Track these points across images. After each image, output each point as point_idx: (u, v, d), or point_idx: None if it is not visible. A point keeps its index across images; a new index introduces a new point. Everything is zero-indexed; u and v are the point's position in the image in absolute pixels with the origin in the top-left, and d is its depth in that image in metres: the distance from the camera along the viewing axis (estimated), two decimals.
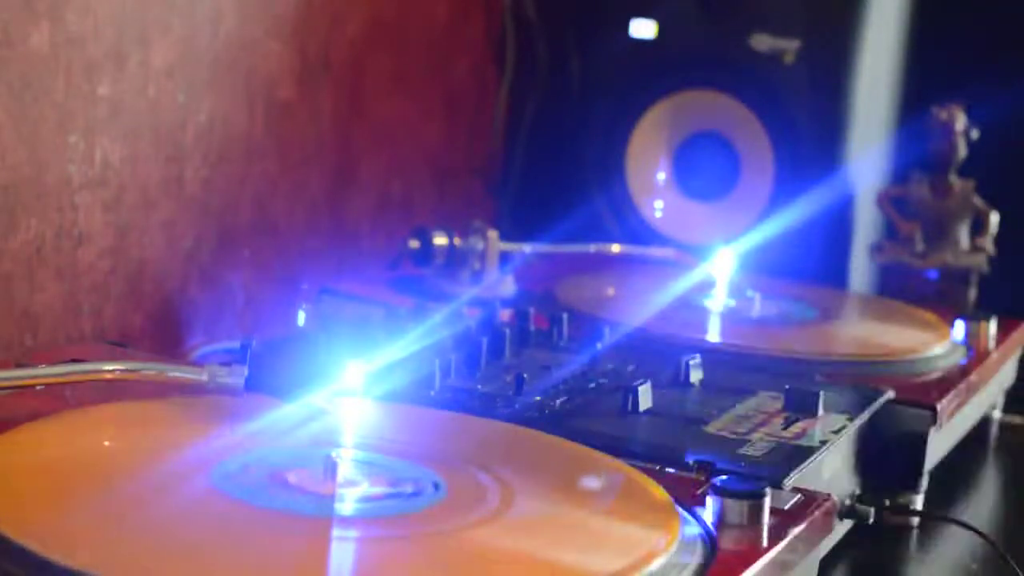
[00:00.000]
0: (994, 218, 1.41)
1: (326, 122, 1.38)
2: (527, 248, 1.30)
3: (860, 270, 1.48)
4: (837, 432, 0.91)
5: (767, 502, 0.74)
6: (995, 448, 1.24)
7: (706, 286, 1.26)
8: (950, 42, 1.49)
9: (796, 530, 0.75)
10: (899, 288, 1.43)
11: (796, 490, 0.80)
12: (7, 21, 1.04)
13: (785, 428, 0.91)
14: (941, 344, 1.15)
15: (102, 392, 0.85)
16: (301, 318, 1.14)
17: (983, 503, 1.13)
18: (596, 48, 1.55)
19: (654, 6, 1.50)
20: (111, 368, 0.84)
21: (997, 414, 1.27)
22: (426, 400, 0.92)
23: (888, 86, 1.50)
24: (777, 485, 0.80)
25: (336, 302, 1.14)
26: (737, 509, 0.73)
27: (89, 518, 0.67)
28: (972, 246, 1.42)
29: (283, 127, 1.33)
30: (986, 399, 1.20)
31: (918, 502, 1.01)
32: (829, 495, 0.80)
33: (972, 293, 1.42)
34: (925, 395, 1.02)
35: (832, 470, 0.91)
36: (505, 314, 1.09)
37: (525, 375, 0.95)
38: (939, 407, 1.00)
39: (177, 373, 0.85)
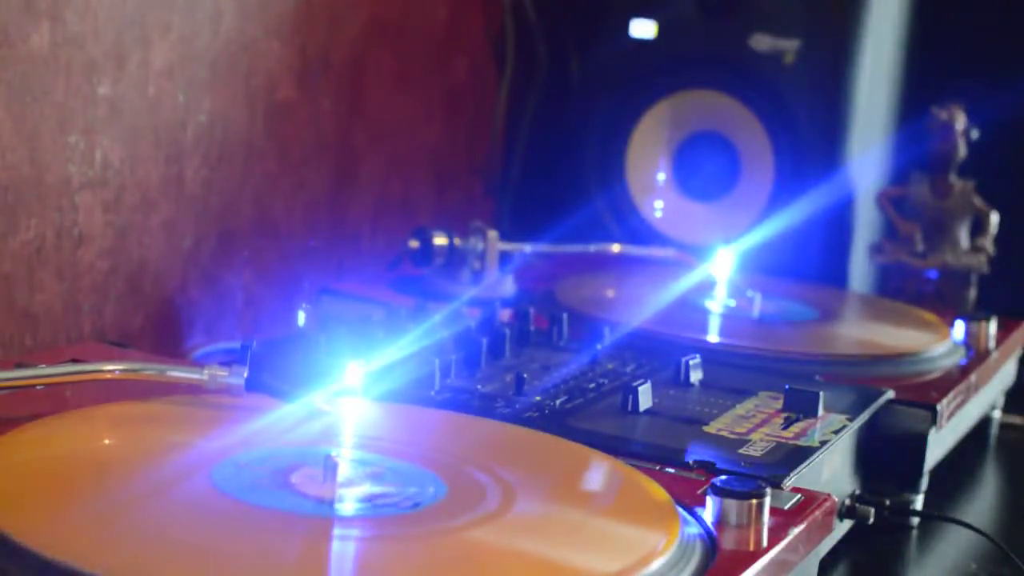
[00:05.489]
0: (994, 218, 1.42)
1: (326, 122, 1.38)
2: (527, 248, 1.30)
3: (860, 270, 1.48)
4: (837, 432, 0.91)
5: (767, 502, 0.74)
6: (995, 448, 1.24)
7: (706, 286, 1.26)
8: (950, 42, 1.49)
9: (796, 530, 0.75)
10: (899, 288, 1.43)
11: (796, 490, 0.80)
12: (7, 21, 1.04)
13: (785, 428, 0.91)
14: (941, 344, 1.15)
15: (102, 392, 0.85)
16: (301, 318, 1.14)
17: (983, 503, 1.13)
18: (596, 48, 1.55)
19: (654, 6, 1.50)
20: (111, 368, 0.84)
21: (997, 414, 1.27)
22: (426, 400, 0.92)
23: (888, 86, 1.50)
24: (777, 485, 0.80)
25: (336, 302, 1.14)
26: (737, 509, 0.73)
27: (90, 518, 0.67)
28: (972, 246, 1.42)
29: (283, 127, 1.33)
30: (986, 399, 1.20)
31: (918, 502, 1.01)
32: (829, 495, 0.80)
33: (972, 293, 1.42)
34: (925, 395, 1.02)
35: (832, 470, 0.91)
36: (505, 314, 1.09)
37: (525, 375, 0.95)
38: (939, 407, 1.00)
39: (177, 373, 0.85)
